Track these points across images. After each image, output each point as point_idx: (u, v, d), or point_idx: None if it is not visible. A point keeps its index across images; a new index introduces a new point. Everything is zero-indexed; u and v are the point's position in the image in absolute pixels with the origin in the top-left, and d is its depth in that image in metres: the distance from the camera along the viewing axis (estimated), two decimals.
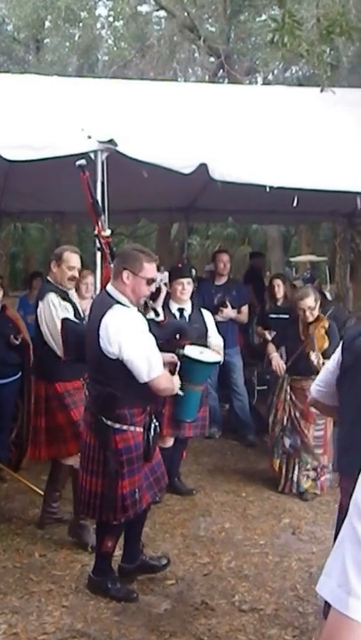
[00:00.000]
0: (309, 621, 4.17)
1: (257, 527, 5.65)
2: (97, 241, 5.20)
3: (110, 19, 20.02)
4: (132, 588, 4.51)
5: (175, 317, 5.99)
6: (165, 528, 5.58)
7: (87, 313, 4.76)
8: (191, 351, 5.44)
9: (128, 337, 4.06)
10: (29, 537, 5.38)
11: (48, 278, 5.34)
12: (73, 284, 5.40)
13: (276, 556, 5.10)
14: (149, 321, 4.45)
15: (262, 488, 6.53)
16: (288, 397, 6.33)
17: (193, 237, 27.94)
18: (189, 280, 6.17)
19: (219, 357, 5.95)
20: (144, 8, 19.50)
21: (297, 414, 6.28)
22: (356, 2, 11.71)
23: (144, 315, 4.43)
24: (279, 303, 7.97)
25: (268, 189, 5.85)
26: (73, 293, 5.42)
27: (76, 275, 5.35)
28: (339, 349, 3.80)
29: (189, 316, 6.10)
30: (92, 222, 5.18)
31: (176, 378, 4.57)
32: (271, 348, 6.71)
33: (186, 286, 6.07)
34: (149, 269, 4.20)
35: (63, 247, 5.58)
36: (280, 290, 7.97)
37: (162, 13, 19.32)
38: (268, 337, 7.64)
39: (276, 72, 19.68)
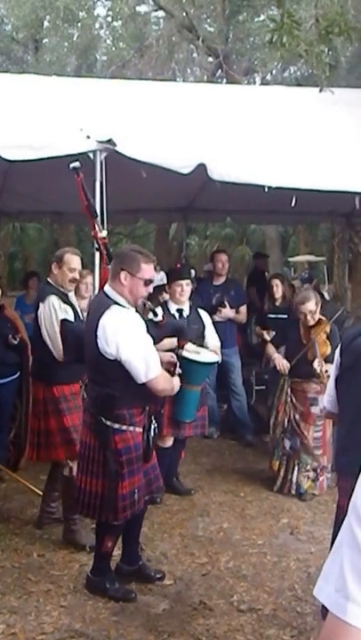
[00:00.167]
0: (308, 621, 4.17)
1: (255, 527, 5.65)
2: (95, 242, 5.21)
3: (109, 19, 20.04)
4: (130, 588, 4.51)
5: (175, 318, 5.99)
6: (164, 528, 5.57)
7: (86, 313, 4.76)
8: (189, 351, 5.45)
9: (126, 337, 4.06)
10: (28, 537, 5.38)
11: (48, 280, 5.33)
12: (74, 285, 5.40)
13: (274, 556, 5.10)
14: (148, 321, 4.45)
15: (261, 488, 6.53)
16: (289, 399, 6.32)
17: (191, 237, 27.95)
18: (188, 281, 6.17)
19: (216, 357, 5.95)
20: (143, 8, 19.52)
21: (296, 416, 6.28)
22: (355, 2, 11.72)
23: (142, 315, 4.43)
24: (278, 303, 7.97)
25: (266, 189, 5.85)
26: (72, 296, 5.42)
27: (77, 277, 5.34)
28: (338, 351, 3.81)
29: (188, 316, 6.10)
30: (89, 224, 5.18)
31: (176, 379, 4.57)
32: (271, 349, 6.70)
33: (185, 288, 6.07)
34: (147, 270, 4.20)
35: (64, 249, 5.56)
36: (278, 290, 7.97)
37: (160, 13, 19.33)
38: (267, 337, 7.63)
39: (274, 72, 19.68)
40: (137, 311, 4.31)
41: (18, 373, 6.28)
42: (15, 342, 6.19)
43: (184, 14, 16.33)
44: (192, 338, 5.75)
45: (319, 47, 7.40)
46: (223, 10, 16.79)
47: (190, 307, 6.18)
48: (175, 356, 4.98)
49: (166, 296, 6.39)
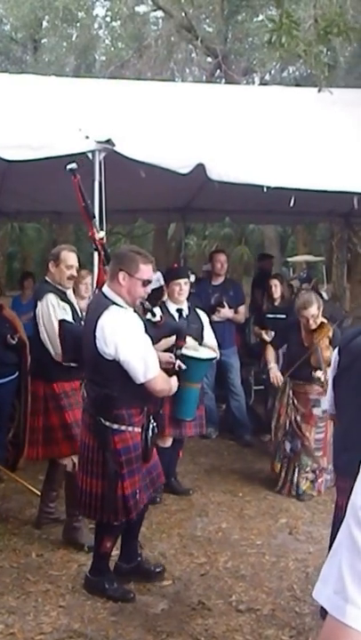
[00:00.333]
0: (306, 622, 4.17)
1: (254, 527, 5.65)
2: (93, 243, 5.21)
3: (108, 19, 20.06)
4: (128, 588, 4.50)
5: (174, 318, 5.98)
6: (162, 528, 5.57)
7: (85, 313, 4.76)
8: (187, 349, 5.45)
9: (124, 338, 4.06)
10: (26, 537, 5.38)
11: (46, 278, 5.33)
12: (72, 283, 5.39)
13: (272, 556, 5.10)
14: (146, 321, 4.46)
15: (259, 488, 6.53)
16: (290, 401, 6.31)
17: (190, 237, 27.95)
18: (186, 280, 6.16)
19: (214, 354, 5.95)
20: (141, 8, 19.51)
21: (298, 418, 6.27)
22: (354, 2, 11.72)
23: (140, 315, 4.43)
24: (276, 303, 7.97)
25: (265, 189, 5.86)
26: (71, 293, 5.42)
27: (75, 273, 5.34)
28: (336, 351, 3.82)
29: (187, 316, 6.10)
30: (86, 225, 5.18)
31: (174, 379, 4.57)
32: (270, 355, 6.70)
33: (183, 287, 6.06)
34: (145, 271, 4.20)
35: (60, 246, 5.56)
36: (277, 290, 7.97)
37: (159, 14, 19.32)
38: (266, 337, 7.65)
39: (273, 72, 19.68)
40: (135, 311, 4.31)
41: (16, 373, 6.28)
42: (14, 342, 6.20)
43: (183, 14, 16.32)
44: (191, 338, 5.75)
45: (318, 47, 7.40)
46: (222, 10, 16.78)
47: (189, 307, 6.18)
48: (174, 356, 4.98)
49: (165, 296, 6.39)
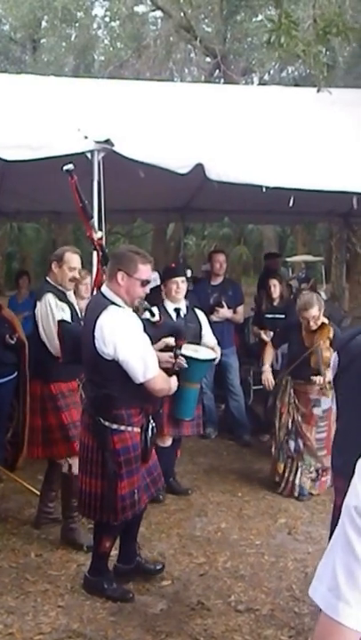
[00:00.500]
0: (305, 622, 4.17)
1: (253, 527, 5.65)
2: (91, 243, 5.22)
3: (107, 19, 20.07)
4: (127, 589, 4.50)
5: (172, 318, 5.98)
6: (161, 528, 5.57)
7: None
8: (187, 349, 5.45)
9: (123, 337, 4.06)
10: (25, 537, 5.38)
11: (47, 279, 5.33)
12: (73, 285, 5.41)
13: (272, 557, 5.10)
14: (145, 321, 4.46)
15: (258, 488, 6.53)
16: (292, 401, 6.31)
17: (189, 237, 27.96)
18: (183, 279, 6.15)
19: (214, 354, 5.95)
20: (140, 8, 19.51)
21: (299, 418, 6.27)
22: (353, 2, 11.73)
23: (139, 315, 4.43)
24: (275, 303, 7.97)
25: (264, 189, 5.86)
26: (71, 294, 5.42)
27: (77, 276, 5.35)
28: (335, 352, 3.82)
29: (185, 315, 6.10)
30: (84, 226, 5.18)
31: (173, 378, 4.57)
32: (267, 356, 6.72)
33: (180, 285, 6.05)
34: (144, 271, 4.20)
35: (64, 248, 5.56)
36: (276, 290, 7.96)
37: (158, 14, 19.33)
38: (265, 337, 7.64)
39: (272, 72, 19.71)
40: (134, 311, 4.31)
41: (15, 373, 6.28)
42: (12, 342, 6.19)
43: (182, 14, 16.31)
44: (189, 337, 5.75)
45: (317, 47, 7.39)
46: (221, 10, 16.77)
47: (187, 306, 6.18)
48: (174, 356, 4.98)
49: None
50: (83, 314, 5.14)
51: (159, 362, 4.33)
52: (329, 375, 5.33)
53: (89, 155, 5.67)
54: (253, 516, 5.89)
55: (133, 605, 4.34)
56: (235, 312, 8.05)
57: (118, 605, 4.32)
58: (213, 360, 6.06)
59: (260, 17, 16.37)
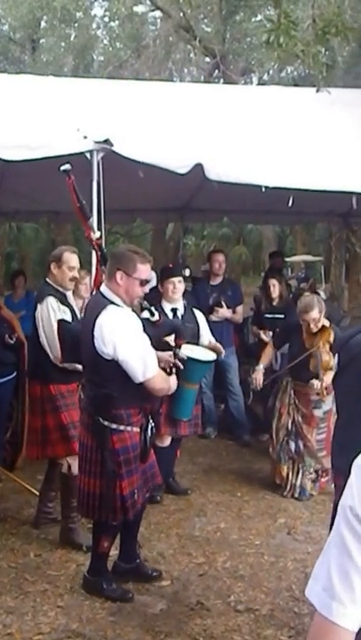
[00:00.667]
0: (305, 622, 4.16)
1: (252, 527, 5.65)
2: (90, 243, 5.22)
3: (106, 19, 20.07)
4: (127, 589, 4.50)
5: (169, 318, 5.97)
6: (161, 528, 5.57)
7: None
8: (187, 350, 5.44)
9: (122, 337, 4.06)
10: (24, 537, 5.37)
11: (47, 280, 5.32)
12: (73, 284, 5.41)
13: (271, 557, 5.10)
14: (144, 320, 4.45)
15: (258, 488, 6.53)
16: (292, 401, 6.30)
17: (188, 237, 27.92)
18: (180, 279, 6.14)
19: (214, 356, 5.95)
20: (140, 8, 19.51)
21: (299, 419, 6.26)
22: (352, 2, 11.74)
23: (138, 315, 4.42)
24: (275, 303, 7.96)
25: (263, 189, 5.86)
26: (70, 296, 5.42)
27: (77, 275, 5.35)
28: (335, 351, 3.82)
29: (182, 315, 6.09)
30: (82, 226, 5.18)
31: (173, 378, 4.57)
32: (264, 356, 6.73)
33: (177, 285, 6.04)
34: (143, 270, 4.20)
35: (62, 248, 5.56)
36: (275, 290, 7.96)
37: (157, 14, 19.33)
38: (264, 337, 7.64)
39: (271, 72, 19.71)
40: (134, 311, 4.31)
41: (14, 373, 6.27)
42: (12, 342, 6.19)
43: (181, 14, 16.32)
44: (187, 337, 5.75)
45: (316, 47, 7.39)
46: (220, 10, 16.78)
47: (185, 306, 6.17)
48: (174, 355, 4.97)
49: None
50: (82, 313, 5.15)
51: (159, 361, 4.33)
52: (327, 379, 5.33)
53: (88, 155, 5.67)
54: (253, 516, 5.89)
55: (133, 605, 4.33)
56: (234, 312, 8.05)
57: (118, 605, 4.32)
58: (213, 361, 6.06)
59: (259, 17, 16.39)
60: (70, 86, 8.67)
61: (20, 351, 6.20)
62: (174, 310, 6.06)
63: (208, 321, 6.51)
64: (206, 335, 6.15)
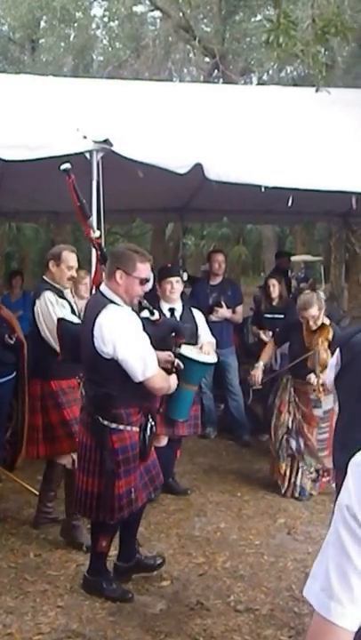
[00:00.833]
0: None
1: (252, 527, 5.65)
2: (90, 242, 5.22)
3: (105, 19, 20.04)
4: (127, 588, 4.50)
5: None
6: (160, 528, 5.57)
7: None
8: (189, 351, 5.44)
9: (122, 336, 4.06)
10: (24, 537, 5.37)
11: (44, 278, 5.34)
12: (71, 284, 5.42)
13: (271, 556, 5.10)
14: (144, 320, 4.45)
15: (257, 488, 6.53)
16: (292, 399, 6.30)
17: (188, 237, 27.91)
18: (178, 279, 6.14)
19: (214, 359, 5.94)
20: (139, 8, 19.52)
21: (300, 417, 6.25)
22: (352, 2, 11.74)
23: (138, 314, 4.42)
24: (274, 303, 7.97)
25: (263, 189, 5.85)
26: (68, 292, 5.43)
27: (75, 274, 5.38)
28: (338, 348, 3.82)
29: (180, 315, 6.08)
30: (82, 225, 5.18)
31: (173, 377, 4.57)
32: (264, 354, 6.73)
33: (175, 285, 6.04)
34: (143, 269, 4.20)
35: (60, 247, 5.57)
36: (275, 290, 7.96)
37: (157, 14, 19.34)
38: (264, 337, 7.65)
39: (271, 72, 19.70)
40: (133, 310, 4.31)
41: (14, 373, 6.27)
42: (12, 342, 6.18)
43: (181, 14, 16.32)
44: (186, 337, 5.74)
45: (316, 47, 7.38)
46: (220, 10, 16.78)
47: (183, 306, 6.17)
48: (173, 355, 4.97)
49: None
50: (82, 313, 5.15)
51: (159, 361, 4.33)
52: (324, 377, 5.33)
53: (88, 155, 5.67)
54: (253, 516, 5.89)
55: (133, 605, 4.33)
56: (234, 312, 8.06)
57: (117, 605, 4.32)
58: (213, 364, 6.05)
59: (258, 17, 16.41)
60: (70, 86, 8.67)
61: (20, 351, 6.19)
62: (172, 310, 6.05)
63: (208, 321, 6.51)
64: (205, 335, 6.14)
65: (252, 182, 5.94)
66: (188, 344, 5.66)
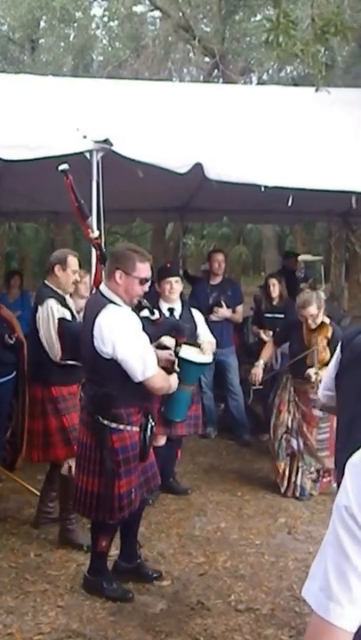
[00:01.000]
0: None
1: (253, 527, 5.64)
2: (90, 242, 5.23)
3: (105, 19, 20.06)
4: (127, 588, 4.50)
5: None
6: (161, 528, 5.57)
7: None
8: (185, 351, 5.43)
9: (122, 336, 4.06)
10: (25, 537, 5.37)
11: (46, 282, 5.33)
12: (74, 287, 5.44)
13: (272, 556, 5.10)
14: (144, 319, 4.45)
15: (258, 487, 6.52)
16: (292, 398, 6.30)
17: (188, 237, 27.93)
18: (177, 279, 6.14)
19: (210, 359, 5.91)
20: (139, 8, 19.54)
21: (300, 417, 6.24)
22: (351, 2, 11.74)
23: (138, 313, 4.42)
24: (275, 302, 7.96)
25: (263, 189, 5.85)
26: (69, 298, 5.44)
27: (78, 278, 5.43)
28: (339, 348, 3.80)
29: (180, 315, 6.08)
30: (81, 225, 5.19)
31: (174, 377, 4.56)
32: (264, 353, 6.73)
33: (174, 285, 6.04)
34: (142, 269, 4.20)
35: (64, 251, 5.57)
36: (275, 289, 7.96)
37: (157, 13, 19.36)
38: (264, 337, 7.64)
39: (270, 72, 19.72)
40: (133, 310, 4.30)
41: (14, 373, 6.27)
42: (12, 342, 6.19)
43: (180, 14, 16.34)
44: (187, 336, 5.74)
45: (315, 47, 7.38)
46: (219, 10, 16.79)
47: (182, 306, 6.17)
48: (173, 354, 4.97)
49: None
50: (82, 313, 5.15)
51: (159, 360, 4.33)
52: (323, 374, 5.33)
53: (88, 154, 5.67)
54: (253, 516, 5.89)
55: (133, 605, 4.33)
56: (234, 311, 8.05)
57: (118, 605, 4.31)
58: (209, 364, 6.04)
59: (258, 16, 16.41)
60: (69, 86, 8.67)
61: (20, 351, 6.20)
62: (171, 310, 6.05)
63: (208, 320, 6.51)
64: (204, 335, 6.14)
65: (253, 182, 5.94)
66: (189, 344, 5.66)
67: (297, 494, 6.25)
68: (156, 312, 4.77)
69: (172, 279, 6.04)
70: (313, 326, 6.03)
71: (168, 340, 5.18)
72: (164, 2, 17.15)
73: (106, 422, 4.16)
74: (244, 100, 8.61)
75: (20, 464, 6.32)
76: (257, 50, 16.95)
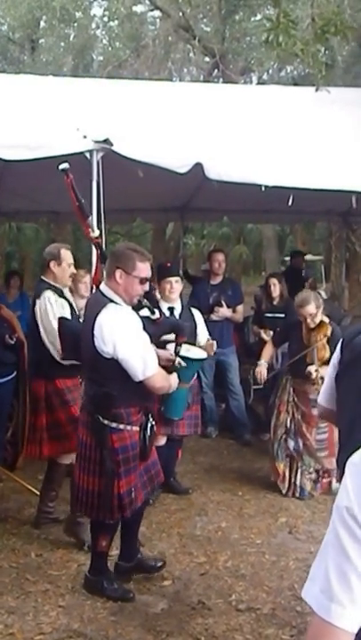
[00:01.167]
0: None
1: (254, 526, 5.64)
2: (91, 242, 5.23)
3: (105, 19, 20.06)
4: (128, 588, 4.50)
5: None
6: (162, 527, 5.57)
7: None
8: (183, 349, 5.42)
9: (122, 336, 4.06)
10: (25, 537, 5.37)
11: (43, 278, 5.34)
12: (71, 280, 5.44)
13: (272, 556, 5.10)
14: (144, 319, 4.45)
15: (259, 487, 6.52)
16: (291, 399, 6.29)
17: (188, 237, 27.95)
18: (177, 278, 6.13)
19: (205, 354, 5.91)
20: (139, 8, 19.55)
21: (299, 417, 6.24)
22: (351, 1, 11.74)
23: (138, 313, 4.42)
24: (275, 302, 7.97)
25: (263, 189, 5.85)
26: (67, 291, 5.44)
27: (74, 270, 5.44)
28: (339, 347, 3.80)
29: (180, 314, 6.08)
30: (81, 224, 5.19)
31: (174, 376, 4.57)
32: (265, 352, 6.73)
33: (174, 285, 6.03)
34: (143, 268, 4.20)
35: (57, 245, 5.58)
36: (276, 289, 7.96)
37: (157, 13, 19.36)
38: (265, 336, 7.64)
39: (270, 71, 19.73)
40: (133, 309, 4.30)
41: (14, 373, 6.27)
42: (12, 342, 6.19)
43: (180, 14, 16.34)
44: (188, 335, 5.73)
45: (315, 46, 7.38)
46: (219, 9, 16.80)
47: (182, 305, 6.16)
48: (174, 354, 4.96)
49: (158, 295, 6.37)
50: (82, 312, 5.15)
51: (159, 360, 4.33)
52: (323, 372, 5.33)
53: (88, 154, 5.67)
54: (254, 515, 5.88)
55: (134, 605, 4.33)
56: (234, 311, 8.05)
57: (119, 605, 4.31)
58: (204, 360, 6.04)
59: (258, 16, 16.41)
60: (70, 86, 8.67)
61: (20, 351, 6.20)
62: (171, 309, 6.04)
63: (208, 320, 6.50)
64: (203, 334, 6.14)
65: (253, 182, 5.94)
66: (189, 343, 5.66)
67: (297, 494, 6.25)
68: (157, 311, 4.77)
69: (172, 279, 6.04)
70: (312, 325, 6.03)
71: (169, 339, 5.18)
72: (164, 2, 17.16)
73: (106, 422, 4.16)
74: (245, 100, 8.61)
75: (21, 464, 6.32)
76: (257, 50, 16.95)
